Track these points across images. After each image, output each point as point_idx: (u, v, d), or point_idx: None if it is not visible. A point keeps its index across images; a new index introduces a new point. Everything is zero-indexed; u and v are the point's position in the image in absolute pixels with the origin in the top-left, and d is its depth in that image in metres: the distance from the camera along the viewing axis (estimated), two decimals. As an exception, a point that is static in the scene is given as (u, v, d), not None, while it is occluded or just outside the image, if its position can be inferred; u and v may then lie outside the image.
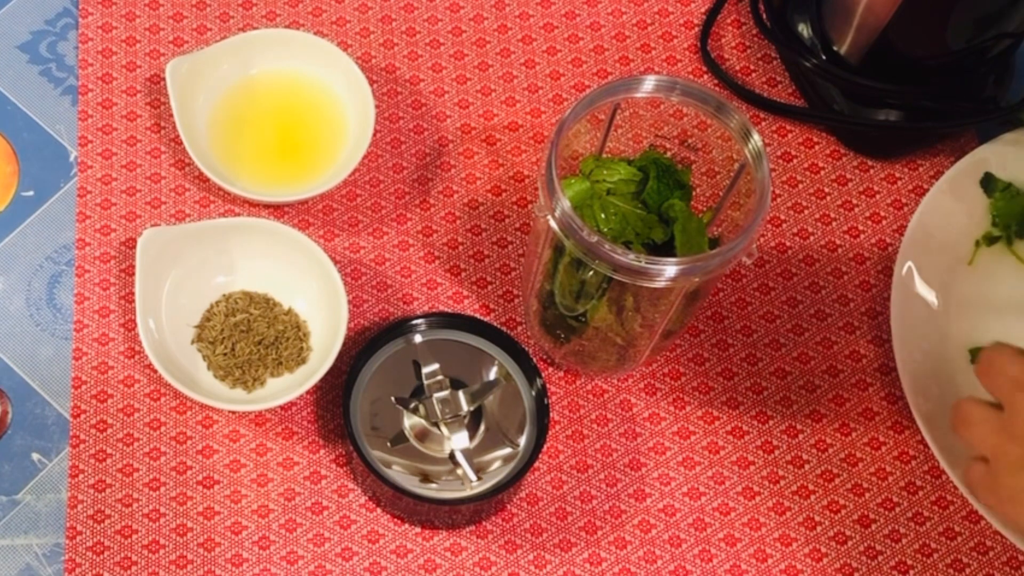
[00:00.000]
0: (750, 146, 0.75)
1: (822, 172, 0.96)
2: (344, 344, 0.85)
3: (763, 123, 0.98)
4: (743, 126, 0.75)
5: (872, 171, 0.96)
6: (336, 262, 0.87)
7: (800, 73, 0.98)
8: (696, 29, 1.00)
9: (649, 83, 0.76)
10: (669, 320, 0.80)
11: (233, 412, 0.87)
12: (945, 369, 0.88)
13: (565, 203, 0.72)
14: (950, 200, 0.93)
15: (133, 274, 0.87)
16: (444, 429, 0.82)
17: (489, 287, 0.92)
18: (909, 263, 0.90)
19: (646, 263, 0.71)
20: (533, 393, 0.84)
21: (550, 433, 0.84)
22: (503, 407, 0.84)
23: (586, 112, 0.76)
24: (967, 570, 0.86)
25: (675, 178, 0.80)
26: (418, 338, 0.86)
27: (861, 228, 0.95)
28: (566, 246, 0.74)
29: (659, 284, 0.73)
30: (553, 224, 0.73)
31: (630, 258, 0.71)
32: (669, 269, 0.72)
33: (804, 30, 0.98)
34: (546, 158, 0.74)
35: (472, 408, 0.83)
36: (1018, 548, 0.83)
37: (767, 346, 0.91)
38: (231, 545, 0.85)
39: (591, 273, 0.76)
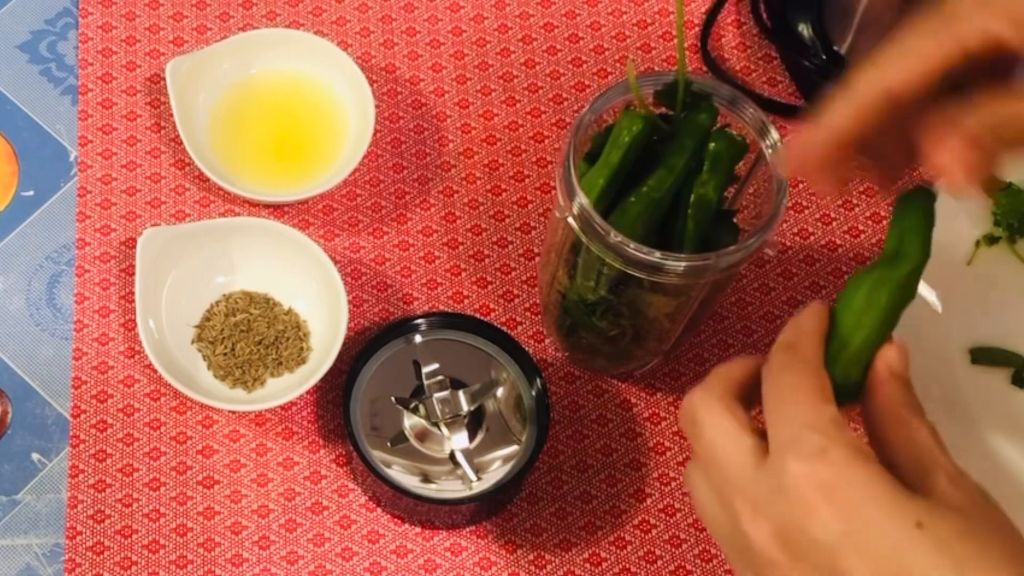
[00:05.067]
0: (767, 140, 0.75)
1: (822, 172, 0.96)
2: (344, 344, 0.85)
3: (763, 123, 0.97)
4: (758, 120, 0.75)
5: (872, 171, 0.96)
6: (336, 262, 0.87)
7: (800, 73, 0.98)
8: (696, 29, 1.00)
9: (666, 78, 0.76)
10: (695, 310, 0.80)
11: (233, 412, 0.87)
12: (945, 369, 0.88)
13: (583, 200, 0.72)
14: (950, 200, 0.92)
15: (133, 274, 0.87)
16: (444, 429, 0.82)
17: (489, 287, 0.92)
18: (909, 263, 0.90)
19: (661, 258, 0.71)
20: (533, 393, 0.84)
21: (550, 433, 0.84)
22: (503, 407, 0.84)
23: (604, 108, 0.76)
24: (967, 570, 0.86)
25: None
26: (418, 338, 0.86)
27: (861, 228, 0.95)
28: (583, 243, 0.74)
29: (676, 280, 0.73)
30: (572, 222, 0.73)
31: (644, 253, 0.71)
32: (685, 265, 0.72)
33: (804, 30, 0.97)
34: (564, 157, 0.73)
35: (472, 408, 0.83)
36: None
37: (767, 346, 0.91)
38: (231, 545, 0.85)
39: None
